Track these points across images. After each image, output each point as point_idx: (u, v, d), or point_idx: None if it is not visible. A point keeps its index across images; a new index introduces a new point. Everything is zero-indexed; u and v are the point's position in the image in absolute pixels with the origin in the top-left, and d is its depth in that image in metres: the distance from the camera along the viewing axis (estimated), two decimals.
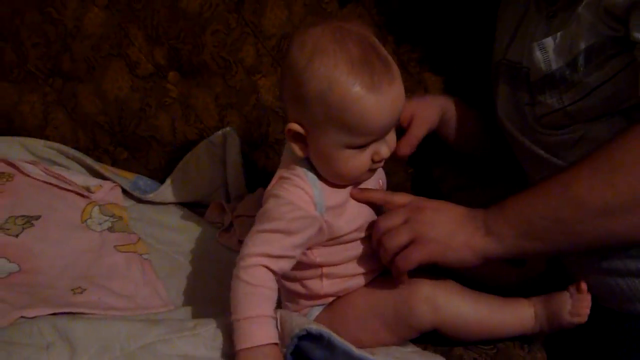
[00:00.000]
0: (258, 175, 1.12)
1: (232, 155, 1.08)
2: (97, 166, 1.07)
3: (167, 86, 1.11)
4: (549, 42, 0.80)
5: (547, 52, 0.80)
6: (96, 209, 1.00)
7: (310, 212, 0.74)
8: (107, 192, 1.04)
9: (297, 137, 0.74)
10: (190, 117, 1.11)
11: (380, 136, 0.74)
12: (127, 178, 1.08)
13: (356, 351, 0.71)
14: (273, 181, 0.77)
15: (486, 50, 0.97)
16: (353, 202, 0.79)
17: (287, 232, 0.73)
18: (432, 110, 0.91)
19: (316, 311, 0.82)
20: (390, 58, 0.74)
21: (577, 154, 0.79)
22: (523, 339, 0.83)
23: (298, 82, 0.72)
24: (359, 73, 0.70)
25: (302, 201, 0.74)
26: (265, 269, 0.72)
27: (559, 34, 0.78)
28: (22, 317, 0.78)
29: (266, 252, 0.72)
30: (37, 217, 0.96)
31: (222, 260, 0.96)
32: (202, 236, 1.03)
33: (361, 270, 0.81)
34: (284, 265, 0.74)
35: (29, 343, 0.71)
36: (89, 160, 1.08)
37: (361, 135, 0.73)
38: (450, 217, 0.76)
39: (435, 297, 0.78)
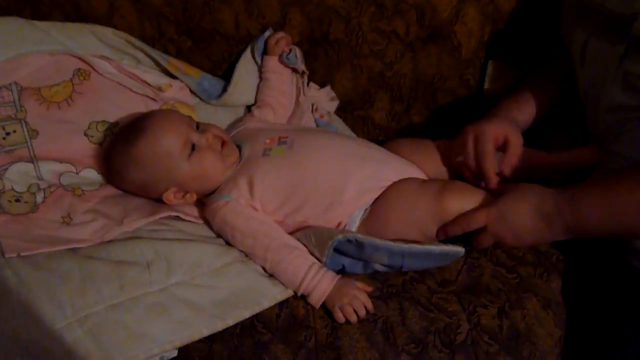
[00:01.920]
0: (317, 70, 1.17)
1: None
2: (164, 62, 1.10)
3: None
4: None
5: None
6: None
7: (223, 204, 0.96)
8: (177, 91, 1.10)
9: (182, 197, 0.97)
10: (253, 12, 1.12)
11: (179, 141, 0.94)
12: (193, 77, 1.12)
13: (380, 241, 0.88)
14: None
15: None
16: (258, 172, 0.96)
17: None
18: (516, 129, 0.95)
19: (357, 216, 0.96)
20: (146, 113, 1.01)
21: None
22: (544, 271, 0.97)
23: (131, 182, 0.97)
24: (127, 140, 0.96)
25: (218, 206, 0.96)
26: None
27: None
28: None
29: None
30: (116, 124, 1.03)
31: None
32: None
33: None
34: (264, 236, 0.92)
35: (133, 261, 0.85)
36: (156, 54, 1.10)
37: (175, 151, 0.94)
38: (528, 223, 0.86)
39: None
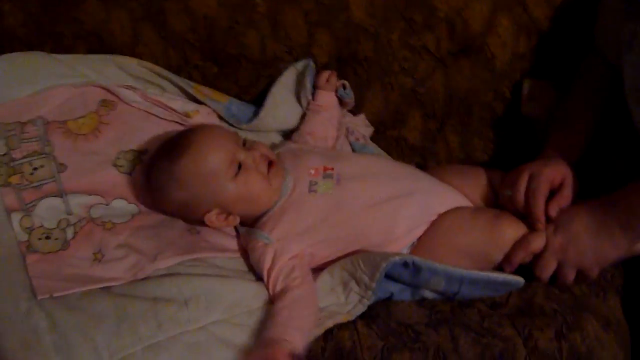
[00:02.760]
0: None
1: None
2: (190, 89, 1.08)
3: (255, 1, 1.07)
4: None
5: None
6: None
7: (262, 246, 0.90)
8: (204, 116, 1.07)
9: (224, 219, 0.92)
10: (280, 34, 1.09)
11: (226, 160, 0.90)
12: (221, 102, 1.10)
13: (439, 265, 0.85)
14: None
15: None
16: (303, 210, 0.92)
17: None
18: (569, 168, 0.91)
19: (404, 250, 0.92)
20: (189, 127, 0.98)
21: None
22: (600, 289, 0.92)
23: (171, 202, 0.93)
24: (169, 157, 0.91)
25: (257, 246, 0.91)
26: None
27: None
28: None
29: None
30: (145, 152, 1.00)
31: None
32: None
33: None
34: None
35: (170, 298, 0.81)
36: (181, 82, 1.08)
37: (220, 170, 0.89)
38: (589, 236, 0.85)
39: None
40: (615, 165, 0.99)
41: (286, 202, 0.93)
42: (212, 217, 0.91)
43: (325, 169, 0.95)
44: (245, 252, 0.93)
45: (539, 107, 1.08)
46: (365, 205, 0.91)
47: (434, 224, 0.92)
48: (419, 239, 0.92)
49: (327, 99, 1.09)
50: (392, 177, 0.96)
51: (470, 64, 1.10)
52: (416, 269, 0.84)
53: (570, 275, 0.88)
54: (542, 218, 0.88)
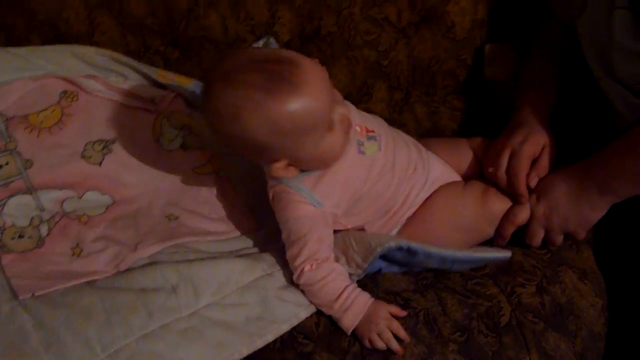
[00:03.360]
0: None
1: None
2: (153, 74, 1.05)
3: None
4: None
5: None
6: (165, 122, 1.01)
7: (313, 212, 0.83)
8: (169, 101, 1.04)
9: (285, 169, 0.82)
10: (241, 15, 1.07)
11: (331, 112, 0.78)
12: (185, 85, 1.06)
13: (433, 249, 0.86)
14: (270, 193, 0.86)
15: None
16: (350, 171, 0.85)
17: (311, 237, 0.82)
18: (549, 134, 0.94)
19: (396, 229, 0.93)
20: (288, 55, 0.78)
21: None
22: (572, 242, 0.96)
23: (245, 138, 0.77)
24: (271, 91, 0.74)
25: (303, 210, 0.83)
26: (318, 264, 0.82)
27: None
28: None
29: (309, 260, 0.82)
30: (113, 141, 0.97)
31: None
32: None
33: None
34: (328, 248, 0.84)
35: (157, 287, 0.80)
36: (143, 67, 1.05)
37: (321, 124, 0.78)
38: (569, 203, 0.88)
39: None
40: (587, 124, 1.02)
41: (340, 161, 0.84)
42: (279, 166, 0.81)
43: (367, 130, 0.88)
44: (231, 231, 0.93)
45: (501, 71, 1.10)
46: (398, 177, 0.90)
47: (429, 199, 0.93)
48: (414, 213, 0.93)
49: None
50: (406, 144, 0.94)
51: (432, 33, 1.11)
52: (412, 252, 0.85)
53: (558, 240, 0.92)
54: (525, 194, 0.91)
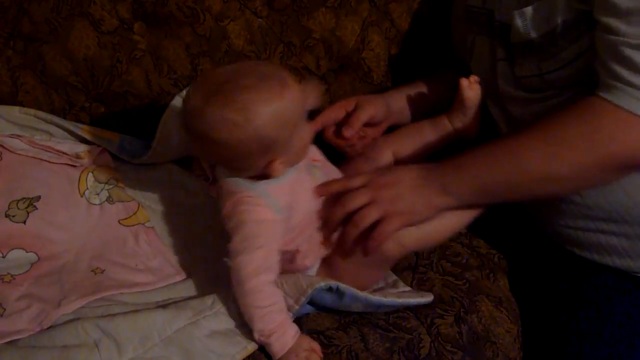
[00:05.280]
0: None
1: None
2: (79, 130, 1.07)
3: (134, 38, 1.08)
4: (528, 11, 0.84)
5: (526, 21, 0.85)
6: (90, 176, 1.03)
7: (273, 218, 0.84)
8: (95, 156, 1.06)
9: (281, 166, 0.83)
10: (163, 69, 1.11)
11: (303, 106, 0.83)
12: (111, 140, 1.09)
13: (361, 293, 0.88)
14: (227, 204, 0.85)
15: None
16: (301, 188, 0.88)
17: (266, 244, 0.83)
18: (376, 100, 1.00)
19: (314, 268, 0.95)
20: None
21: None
22: (489, 272, 1.00)
23: (258, 137, 0.79)
24: (270, 88, 0.79)
25: (264, 214, 0.84)
26: (267, 284, 0.83)
27: (538, 3, 0.83)
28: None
29: (260, 269, 0.82)
30: (37, 198, 0.98)
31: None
32: (194, 190, 1.08)
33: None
34: (276, 266, 0.84)
35: (79, 344, 0.80)
36: (69, 125, 1.07)
37: (304, 112, 0.83)
38: (409, 185, 0.86)
39: (397, 235, 0.89)
40: None
41: (292, 177, 0.87)
42: (277, 165, 0.83)
43: (313, 160, 0.94)
44: (158, 281, 0.94)
45: None
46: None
47: None
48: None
49: None
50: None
51: (350, 78, 1.17)
52: (339, 294, 0.87)
53: (373, 216, 0.86)
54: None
